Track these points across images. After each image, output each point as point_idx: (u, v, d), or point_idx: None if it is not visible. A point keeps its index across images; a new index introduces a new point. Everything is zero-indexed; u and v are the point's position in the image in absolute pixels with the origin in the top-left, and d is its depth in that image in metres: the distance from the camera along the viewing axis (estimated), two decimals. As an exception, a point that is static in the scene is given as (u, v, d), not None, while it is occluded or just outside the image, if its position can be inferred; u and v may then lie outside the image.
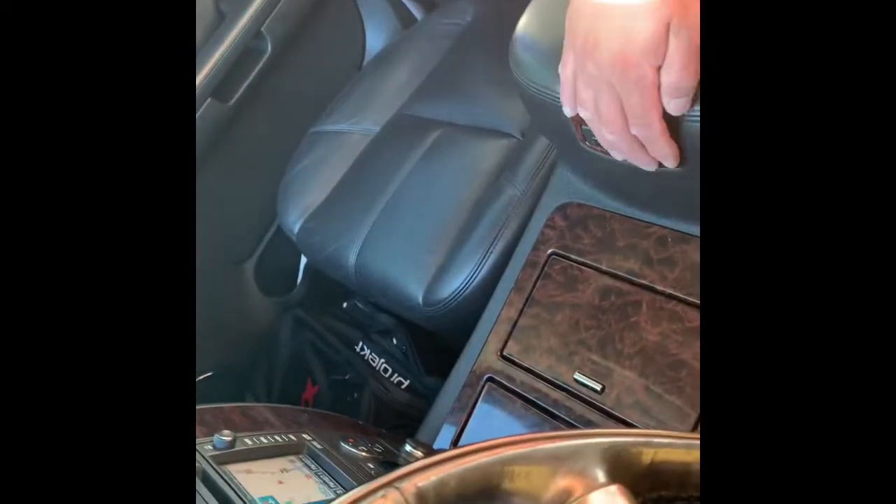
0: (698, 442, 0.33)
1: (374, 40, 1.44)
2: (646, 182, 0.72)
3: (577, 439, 0.33)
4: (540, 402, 0.75)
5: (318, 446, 0.74)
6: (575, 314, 0.77)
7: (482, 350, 0.82)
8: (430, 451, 0.75)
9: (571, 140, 0.75)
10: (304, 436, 0.76)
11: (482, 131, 1.09)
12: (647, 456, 0.33)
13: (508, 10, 1.30)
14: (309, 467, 0.73)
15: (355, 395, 1.12)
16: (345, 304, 1.27)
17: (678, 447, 0.33)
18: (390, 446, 0.80)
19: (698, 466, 0.33)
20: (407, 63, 1.27)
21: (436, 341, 1.10)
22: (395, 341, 1.16)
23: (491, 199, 0.96)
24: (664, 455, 0.33)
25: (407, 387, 1.11)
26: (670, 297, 0.71)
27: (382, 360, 1.15)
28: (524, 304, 0.81)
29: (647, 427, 0.68)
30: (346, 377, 1.17)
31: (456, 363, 0.86)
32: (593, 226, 0.79)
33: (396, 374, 1.13)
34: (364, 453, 0.76)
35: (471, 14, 1.29)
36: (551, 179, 0.87)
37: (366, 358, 1.16)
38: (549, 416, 0.74)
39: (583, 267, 0.78)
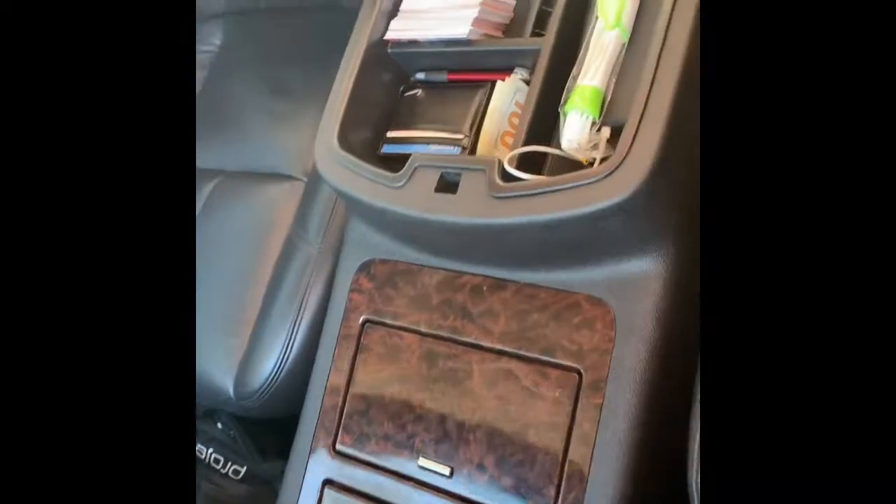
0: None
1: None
2: (452, 235, 0.64)
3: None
4: (388, 500, 0.67)
5: None
6: (405, 388, 0.68)
7: (312, 450, 0.72)
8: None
9: (366, 207, 0.66)
10: None
11: (261, 177, 0.96)
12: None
13: (261, 26, 1.17)
14: None
15: (187, 501, 0.98)
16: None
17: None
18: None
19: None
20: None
21: (265, 419, 0.98)
22: (219, 425, 1.02)
23: (286, 262, 0.85)
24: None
25: (244, 476, 0.98)
26: (500, 353, 0.64)
27: (210, 450, 1.01)
28: (347, 387, 0.71)
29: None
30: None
31: (288, 464, 0.75)
32: (403, 283, 0.71)
33: (230, 463, 0.99)
34: None
35: (219, 36, 1.14)
36: (347, 233, 0.77)
37: (191, 452, 1.02)
38: (401, 511, 0.66)
39: (402, 332, 0.70)
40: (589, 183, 0.56)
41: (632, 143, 0.54)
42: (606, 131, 0.61)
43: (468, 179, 0.61)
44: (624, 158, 0.54)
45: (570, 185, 0.56)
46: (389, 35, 0.73)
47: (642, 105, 0.55)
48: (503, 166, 0.60)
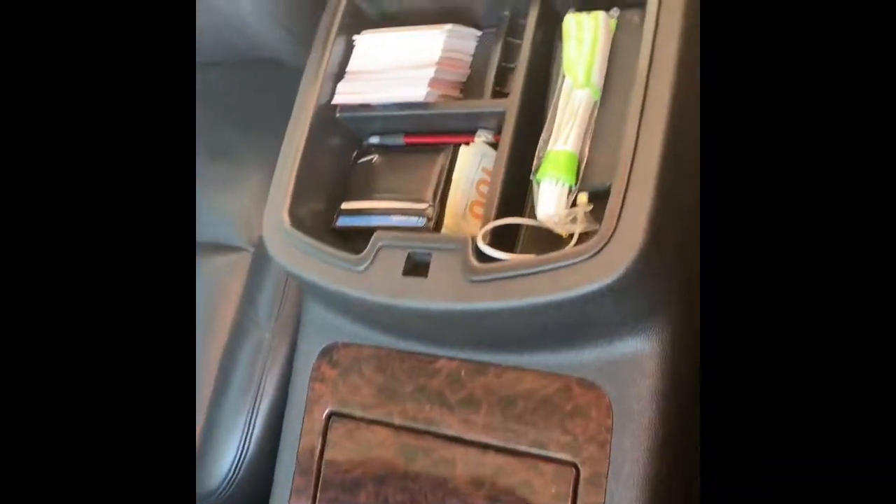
0: None
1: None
2: (423, 320, 0.58)
3: None
4: None
5: None
6: (381, 490, 0.62)
7: (281, 563, 0.64)
8: None
9: (324, 291, 0.59)
10: None
11: (202, 247, 0.88)
12: None
13: (198, 82, 1.09)
14: None
15: None
16: None
17: None
18: None
19: None
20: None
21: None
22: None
23: (236, 347, 0.77)
24: None
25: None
26: (485, 447, 0.58)
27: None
28: (315, 490, 0.64)
29: None
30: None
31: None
32: (370, 370, 0.64)
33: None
34: None
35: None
36: (303, 313, 0.71)
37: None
38: None
39: (372, 426, 0.63)
40: (575, 263, 0.50)
41: (619, 216, 0.50)
42: (584, 198, 0.56)
43: (440, 261, 0.56)
44: (612, 234, 0.49)
45: (553, 265, 0.51)
46: (337, 99, 0.67)
47: (626, 171, 0.51)
48: (476, 245, 0.55)
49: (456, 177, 0.62)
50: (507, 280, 0.53)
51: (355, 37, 0.69)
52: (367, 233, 0.66)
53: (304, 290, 0.69)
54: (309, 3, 0.77)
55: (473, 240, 0.55)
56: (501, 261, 0.54)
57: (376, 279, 0.58)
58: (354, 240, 0.67)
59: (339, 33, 0.68)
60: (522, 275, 0.52)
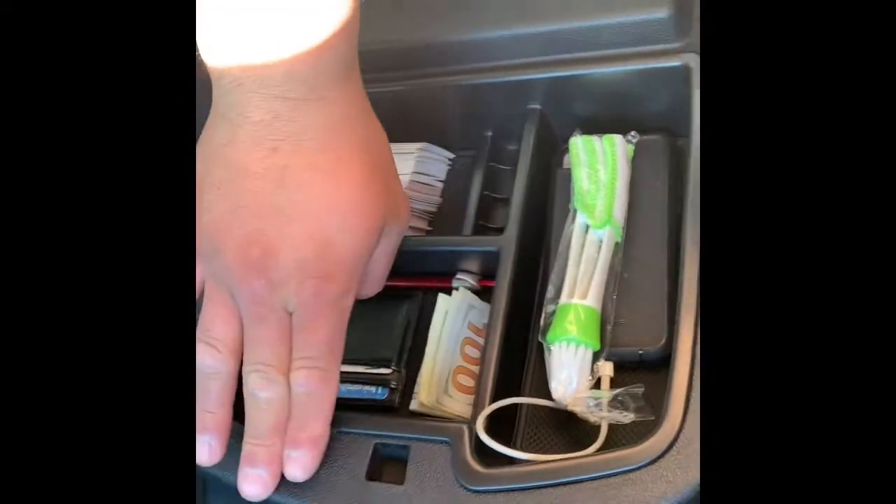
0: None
1: None
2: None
3: None
4: None
5: None
6: None
7: None
8: None
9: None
10: None
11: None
12: None
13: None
14: None
15: None
16: None
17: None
18: None
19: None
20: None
21: None
22: None
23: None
24: None
25: None
26: None
27: None
28: None
29: None
30: None
31: None
32: None
33: None
34: None
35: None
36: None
37: None
38: None
39: None
40: (622, 473, 0.36)
41: (686, 409, 0.36)
42: (609, 369, 0.42)
43: (422, 458, 0.39)
44: (678, 434, 0.35)
45: (591, 475, 0.36)
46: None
47: (690, 343, 0.37)
48: (477, 435, 0.39)
49: (433, 335, 0.47)
50: (526, 493, 0.37)
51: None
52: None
53: (215, 491, 0.50)
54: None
55: (471, 428, 0.40)
56: (517, 461, 0.38)
57: (325, 485, 0.40)
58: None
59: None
60: (549, 485, 0.36)
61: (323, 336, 0.39)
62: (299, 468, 0.39)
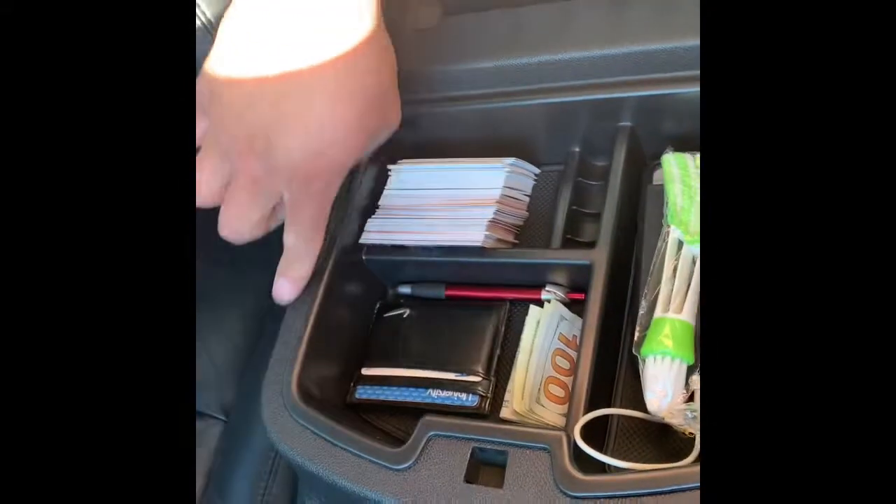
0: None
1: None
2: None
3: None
4: None
5: None
6: None
7: None
8: None
9: (344, 493, 0.43)
10: None
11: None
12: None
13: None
14: None
15: None
16: None
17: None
18: None
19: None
20: None
21: None
22: None
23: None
24: None
25: None
26: None
27: None
28: None
29: None
30: None
31: None
32: None
33: None
34: None
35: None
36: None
37: None
38: None
39: None
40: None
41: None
42: (700, 383, 0.43)
43: (521, 463, 0.40)
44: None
45: (689, 485, 0.37)
46: (365, 239, 0.54)
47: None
48: (575, 443, 0.40)
49: (525, 345, 0.48)
50: (624, 500, 0.38)
51: (390, 166, 0.57)
52: (392, 409, 0.51)
53: (306, 486, 0.52)
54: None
55: (569, 436, 0.41)
56: (616, 469, 0.39)
57: (425, 485, 0.42)
58: (377, 418, 0.52)
59: (370, 160, 0.56)
60: (647, 493, 0.37)
61: (308, 214, 0.48)
62: (285, 293, 0.51)
